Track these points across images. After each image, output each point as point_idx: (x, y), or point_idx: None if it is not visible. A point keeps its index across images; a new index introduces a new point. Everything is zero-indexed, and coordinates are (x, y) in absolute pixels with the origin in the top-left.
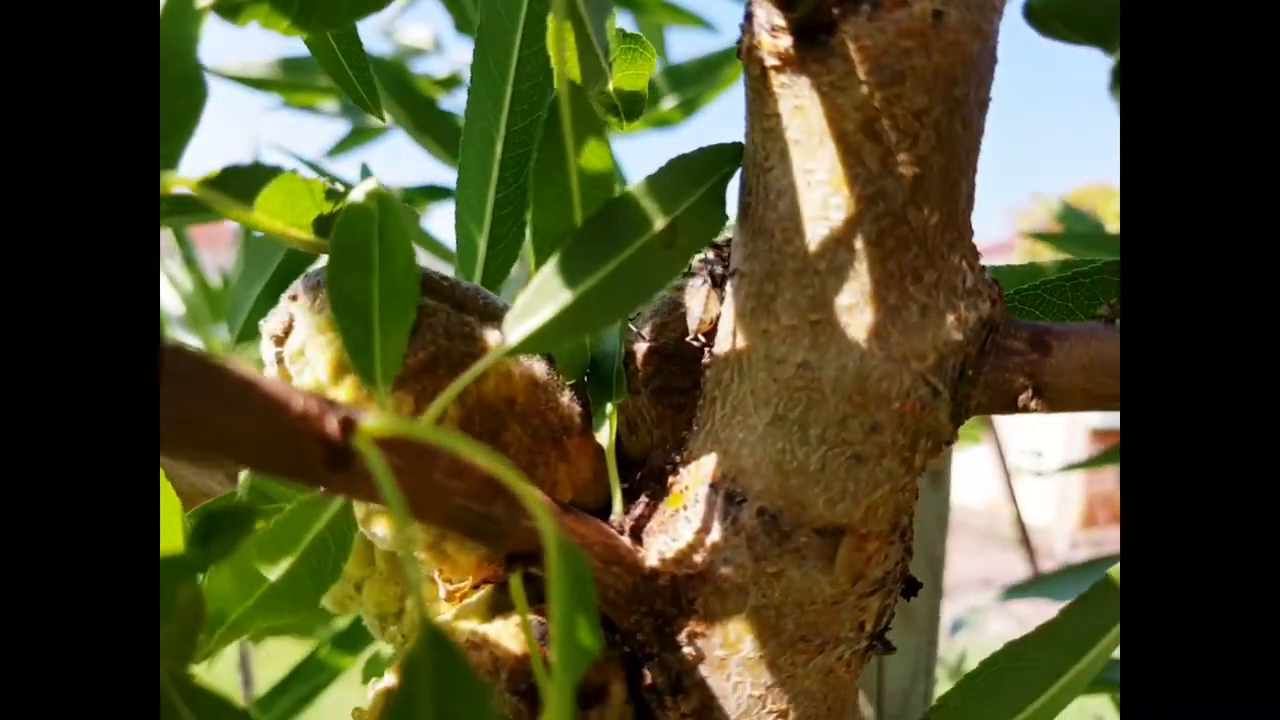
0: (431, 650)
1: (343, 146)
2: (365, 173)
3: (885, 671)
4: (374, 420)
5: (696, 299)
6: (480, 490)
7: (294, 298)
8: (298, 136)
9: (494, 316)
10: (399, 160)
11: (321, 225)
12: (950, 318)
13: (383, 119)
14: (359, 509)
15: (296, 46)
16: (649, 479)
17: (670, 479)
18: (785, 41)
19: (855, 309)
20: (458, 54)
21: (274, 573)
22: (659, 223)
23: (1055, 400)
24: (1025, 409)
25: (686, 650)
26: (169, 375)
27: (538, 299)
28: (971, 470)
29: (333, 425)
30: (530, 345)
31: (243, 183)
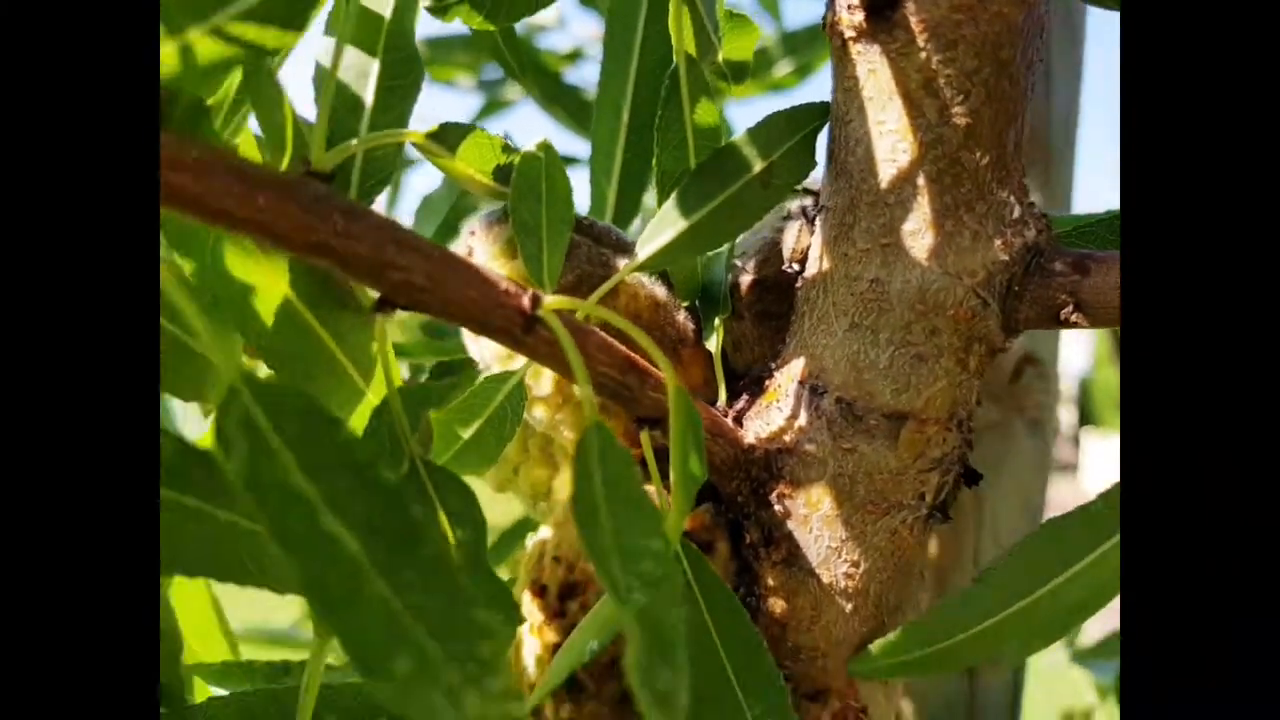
0: (596, 434)
1: (480, 116)
2: (507, 139)
3: None
4: (553, 299)
5: (790, 233)
6: (620, 364)
7: (473, 232)
8: (433, 109)
9: (624, 249)
10: (523, 129)
11: (500, 172)
12: (998, 242)
13: (528, 91)
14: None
15: (439, 28)
16: (749, 384)
17: (766, 381)
18: (859, 17)
19: (917, 234)
20: (579, 29)
21: (467, 432)
22: (757, 166)
23: (1094, 316)
24: (1067, 322)
25: (776, 508)
26: (423, 253)
27: (659, 227)
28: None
29: (526, 300)
30: (654, 263)
31: (452, 137)
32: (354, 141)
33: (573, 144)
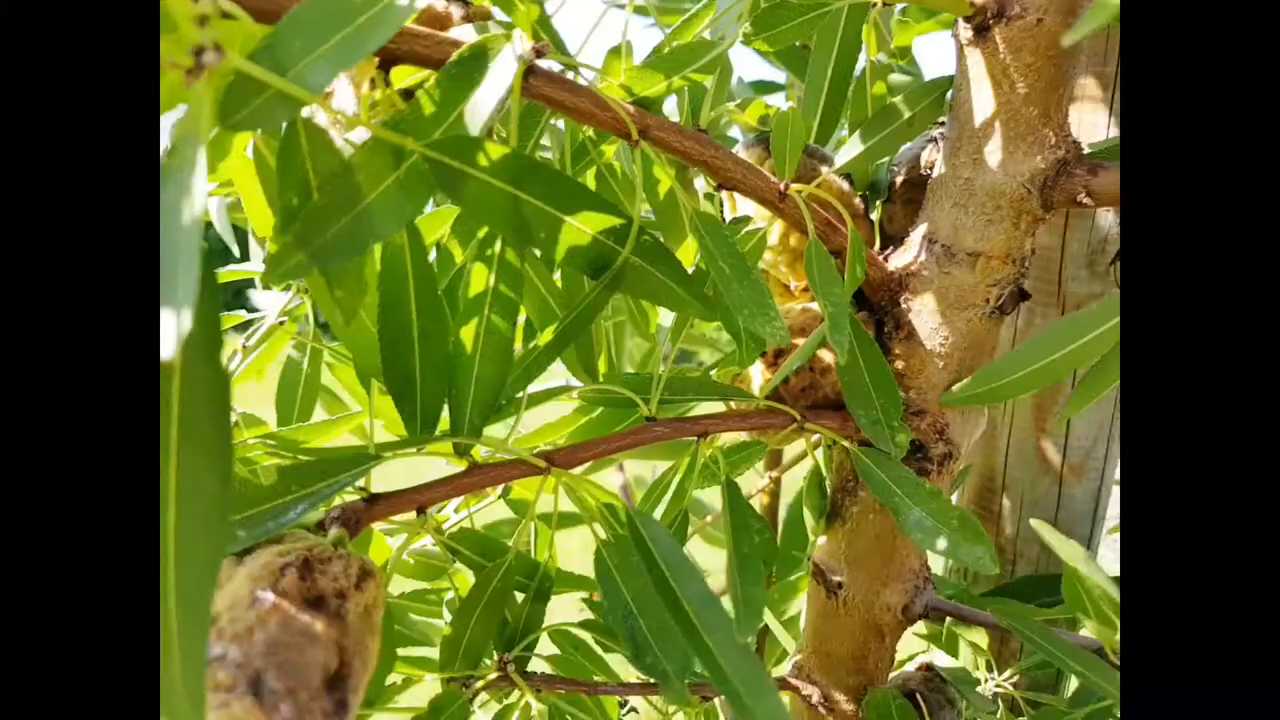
0: (816, 248)
1: None
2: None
3: (1072, 431)
4: (793, 186)
5: (926, 152)
6: (824, 220)
7: (744, 149)
8: None
9: (826, 160)
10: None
11: (763, 120)
12: (1038, 158)
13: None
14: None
15: None
16: (894, 242)
17: (904, 239)
18: (969, 34)
19: (993, 154)
20: None
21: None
22: (905, 114)
23: (1099, 200)
24: (1080, 204)
25: (903, 307)
26: (734, 160)
27: (848, 149)
28: None
29: (781, 185)
30: (843, 169)
31: (744, 102)
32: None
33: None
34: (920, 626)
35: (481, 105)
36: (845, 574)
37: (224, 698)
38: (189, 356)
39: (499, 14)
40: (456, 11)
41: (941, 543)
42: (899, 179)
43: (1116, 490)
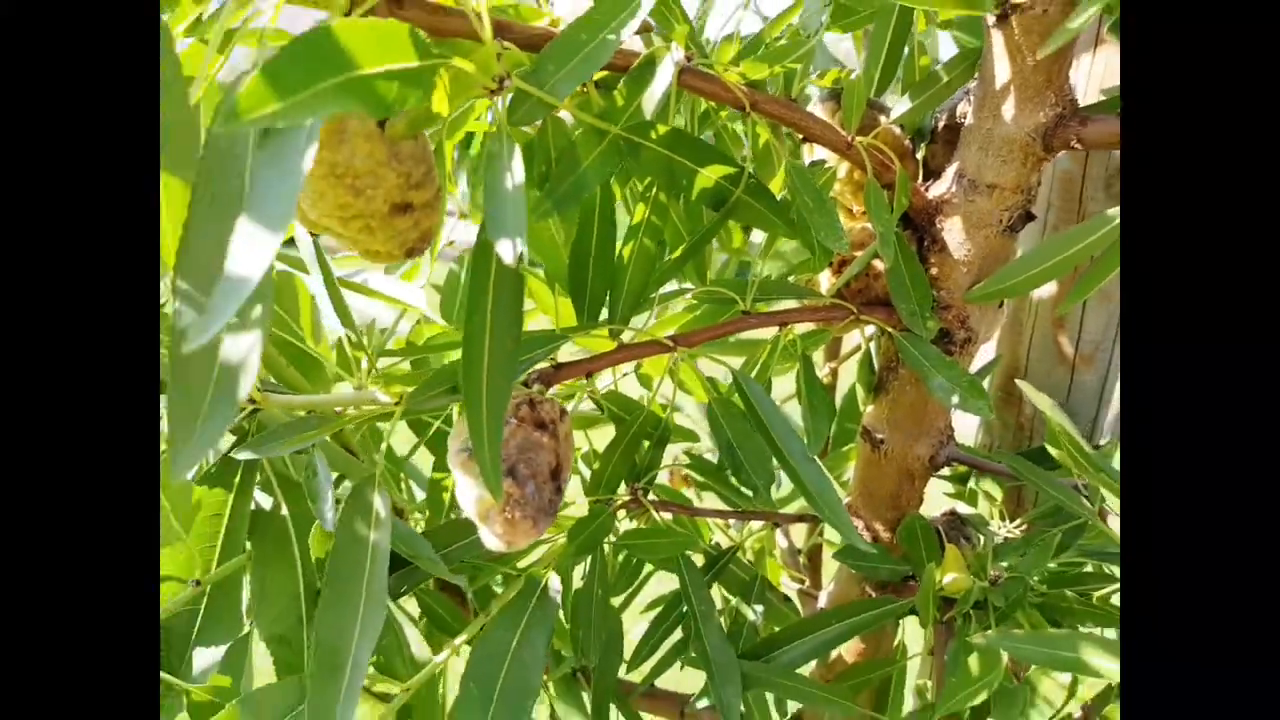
0: (874, 187)
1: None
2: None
3: (1085, 323)
4: (855, 138)
5: (961, 104)
6: (878, 162)
7: (818, 104)
8: None
9: (884, 110)
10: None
11: (836, 83)
12: (1041, 114)
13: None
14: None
15: None
16: (933, 175)
17: (942, 174)
18: (993, 18)
19: (1008, 109)
20: None
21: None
22: (944, 79)
23: (1087, 145)
24: (1074, 147)
25: (938, 226)
26: (806, 115)
27: (900, 104)
28: None
29: (847, 136)
30: (897, 120)
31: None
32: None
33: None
34: (949, 486)
35: (652, 98)
36: (886, 433)
37: None
38: (501, 273)
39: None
40: None
41: (955, 399)
42: (940, 125)
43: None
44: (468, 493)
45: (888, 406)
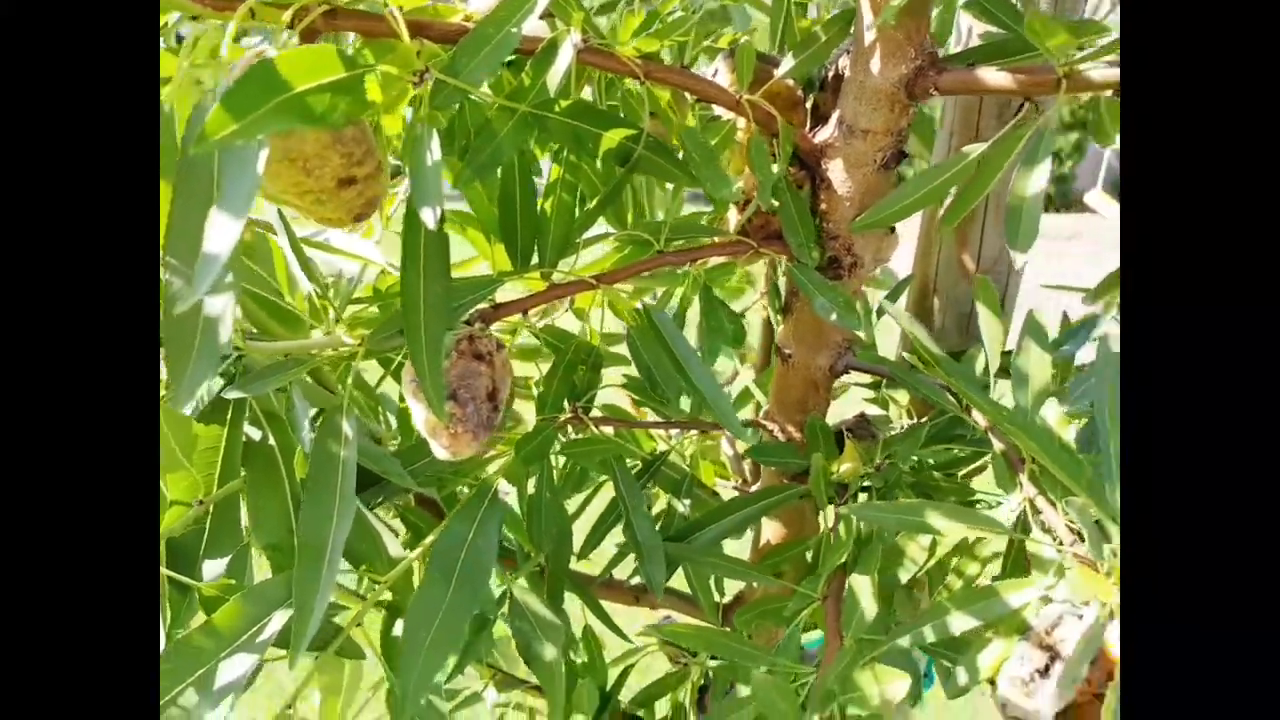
0: (758, 139)
1: None
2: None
3: (984, 244)
4: (746, 95)
5: (842, 59)
6: (766, 116)
7: (723, 59)
8: None
9: (776, 64)
10: None
11: (731, 48)
12: (903, 66)
13: None
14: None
15: None
16: (821, 121)
17: (828, 120)
18: None
19: (873, 63)
20: None
21: (716, 139)
22: (824, 38)
23: (944, 91)
24: (930, 94)
25: (824, 167)
26: (696, 78)
27: (789, 60)
28: None
29: (737, 95)
30: (787, 74)
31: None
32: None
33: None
34: (868, 392)
35: (555, 77)
36: (793, 348)
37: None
38: (428, 235)
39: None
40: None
41: (833, 316)
42: (829, 75)
43: (1020, 288)
44: (418, 415)
45: (793, 325)
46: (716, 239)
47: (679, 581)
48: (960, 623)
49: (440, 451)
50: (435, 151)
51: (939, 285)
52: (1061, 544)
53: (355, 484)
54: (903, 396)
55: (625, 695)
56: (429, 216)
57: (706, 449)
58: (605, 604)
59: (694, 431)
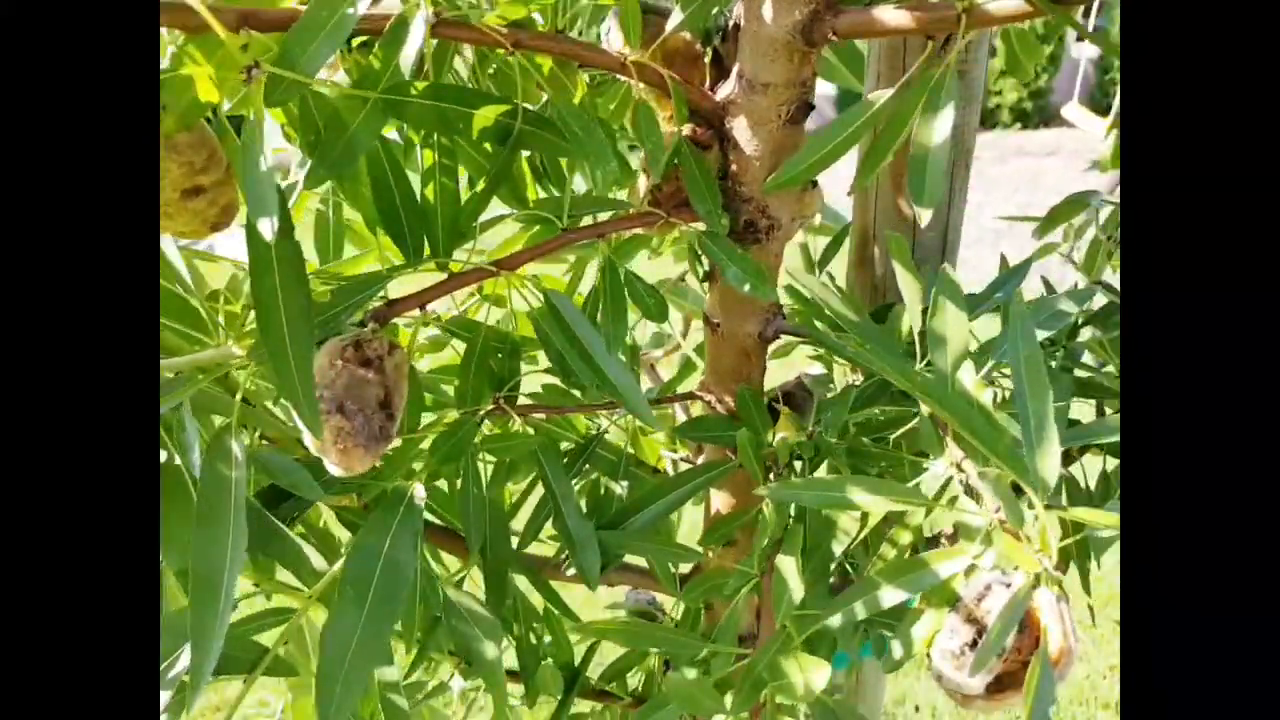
0: (644, 109)
1: None
2: None
3: None
4: (633, 55)
5: (738, 9)
6: (657, 76)
7: (614, 20)
8: None
9: (665, 14)
10: None
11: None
12: (796, 12)
13: None
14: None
15: None
16: (722, 77)
17: (730, 75)
18: None
19: (766, 10)
20: None
21: (613, 103)
22: None
23: (843, 35)
24: (829, 40)
25: (729, 125)
26: (576, 43)
27: (674, 18)
28: None
29: (622, 57)
30: (680, 27)
31: None
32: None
33: None
34: (812, 350)
35: (407, 57)
36: (720, 317)
37: (325, 416)
38: (279, 241)
39: None
40: None
41: (746, 287)
42: (730, 25)
43: (963, 232)
44: (305, 432)
45: (718, 294)
46: (625, 212)
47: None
48: (890, 595)
49: (333, 468)
50: (267, 157)
51: (878, 233)
52: (988, 511)
53: (245, 506)
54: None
55: (595, 672)
56: (265, 229)
57: (663, 417)
58: (565, 585)
59: None
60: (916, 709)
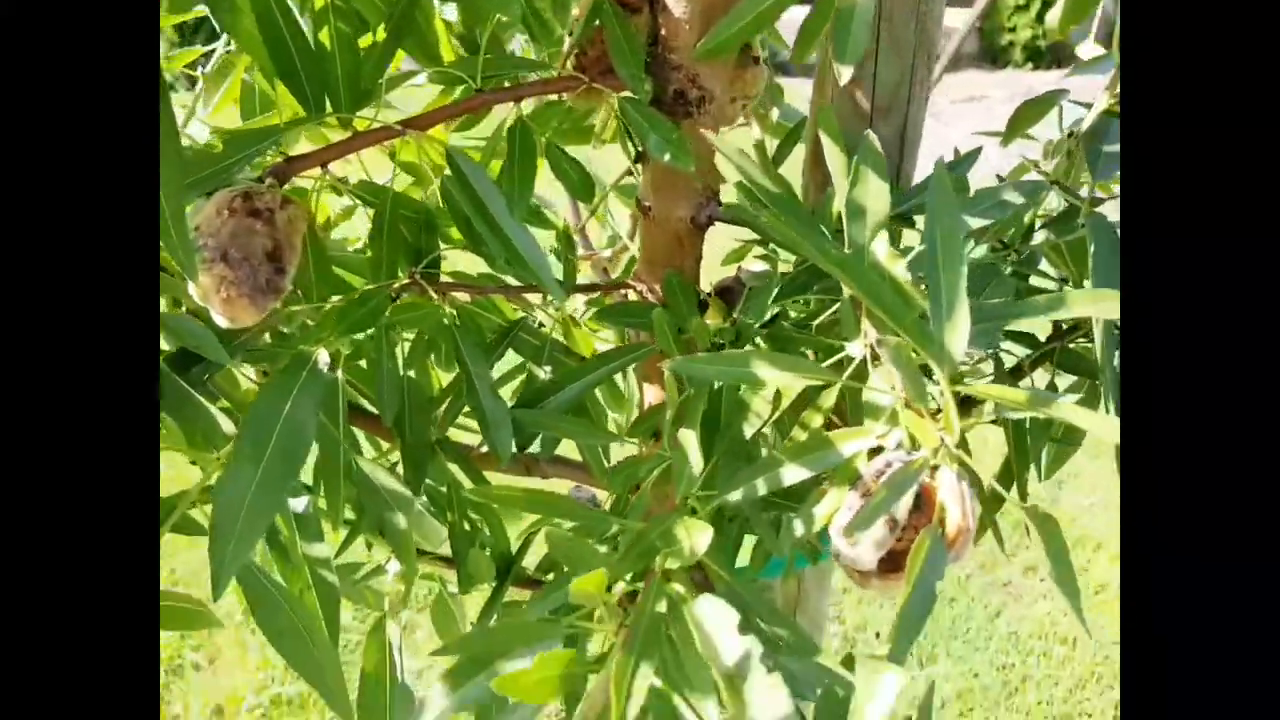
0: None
1: None
2: None
3: (879, 78)
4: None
5: None
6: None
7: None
8: None
9: None
10: None
11: None
12: None
13: None
14: None
15: None
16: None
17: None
18: None
19: None
20: None
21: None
22: None
23: None
24: None
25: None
26: None
27: None
28: None
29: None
30: None
31: None
32: None
33: None
34: (759, 250)
35: None
36: (652, 199)
37: (208, 265)
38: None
39: None
40: None
41: (666, 156)
42: None
43: (923, 126)
44: (190, 283)
45: (649, 174)
46: (544, 75)
47: (572, 449)
48: (792, 473)
49: (219, 318)
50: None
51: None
52: (895, 389)
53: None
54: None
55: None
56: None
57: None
58: (496, 477)
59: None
60: (877, 635)
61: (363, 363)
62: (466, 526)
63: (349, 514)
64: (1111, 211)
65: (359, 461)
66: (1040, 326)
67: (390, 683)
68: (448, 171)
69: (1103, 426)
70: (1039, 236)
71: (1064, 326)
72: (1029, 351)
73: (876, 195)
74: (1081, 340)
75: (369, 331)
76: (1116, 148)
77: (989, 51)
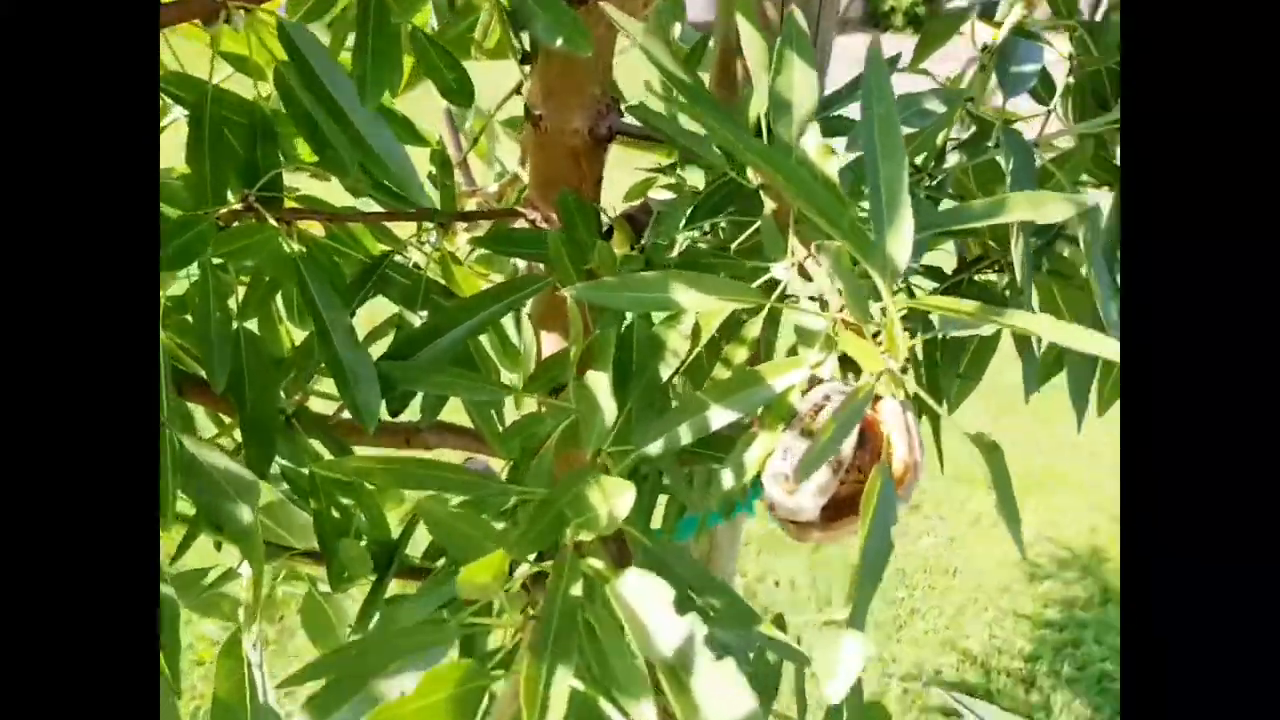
0: None
1: None
2: None
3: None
4: None
5: None
6: None
7: None
8: None
9: None
10: None
11: None
12: None
13: None
14: None
15: None
16: None
17: None
18: None
19: None
20: None
21: None
22: None
23: None
24: None
25: None
26: None
27: None
28: None
29: None
30: None
31: None
32: None
33: None
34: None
35: None
36: (544, 108)
37: None
38: None
39: None
40: None
41: (559, 41)
42: None
43: (834, 43)
44: None
45: (539, 76)
46: None
47: (458, 414)
48: (720, 416)
49: None
50: None
51: (741, 45)
52: (828, 309)
53: None
54: (699, 174)
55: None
56: None
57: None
58: (371, 450)
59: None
60: (776, 584)
61: (190, 316)
62: (335, 514)
63: (188, 508)
64: (1025, 131)
65: (185, 442)
66: (947, 261)
67: (251, 706)
68: (285, 58)
69: (1096, 342)
70: (951, 160)
71: (968, 259)
72: (935, 285)
73: (804, 84)
74: (989, 272)
75: (191, 272)
76: (1026, 67)
77: (872, 16)
